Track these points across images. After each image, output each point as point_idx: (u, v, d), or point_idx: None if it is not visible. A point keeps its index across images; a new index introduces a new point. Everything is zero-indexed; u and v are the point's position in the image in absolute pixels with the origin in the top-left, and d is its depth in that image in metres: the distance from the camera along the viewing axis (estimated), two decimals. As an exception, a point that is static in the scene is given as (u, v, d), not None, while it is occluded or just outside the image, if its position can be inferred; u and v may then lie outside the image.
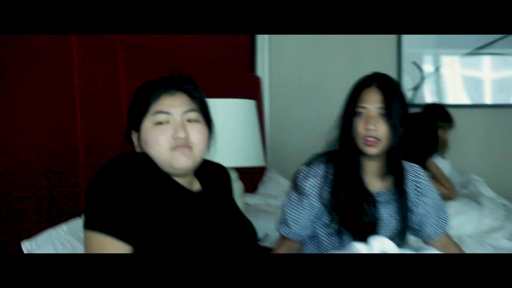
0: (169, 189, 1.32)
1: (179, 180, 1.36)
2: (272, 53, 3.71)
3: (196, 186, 1.43)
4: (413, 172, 1.76)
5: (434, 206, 1.76)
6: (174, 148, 1.32)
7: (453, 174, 3.11)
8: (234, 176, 2.25)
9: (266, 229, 2.49)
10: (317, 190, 1.67)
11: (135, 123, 1.37)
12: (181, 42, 2.75)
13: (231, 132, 2.15)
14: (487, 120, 3.66)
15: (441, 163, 2.91)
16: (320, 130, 3.73)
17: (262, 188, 3.12)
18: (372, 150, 1.62)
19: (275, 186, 3.13)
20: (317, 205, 1.67)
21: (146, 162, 1.32)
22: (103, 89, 2.20)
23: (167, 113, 1.34)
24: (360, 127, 1.62)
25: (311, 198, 1.67)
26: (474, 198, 2.90)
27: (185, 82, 1.41)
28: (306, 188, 1.68)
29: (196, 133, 1.35)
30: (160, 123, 1.34)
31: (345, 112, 1.68)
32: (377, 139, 1.61)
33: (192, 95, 1.39)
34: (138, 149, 1.39)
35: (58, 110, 1.96)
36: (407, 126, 1.64)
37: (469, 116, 3.56)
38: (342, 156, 1.67)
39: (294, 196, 1.71)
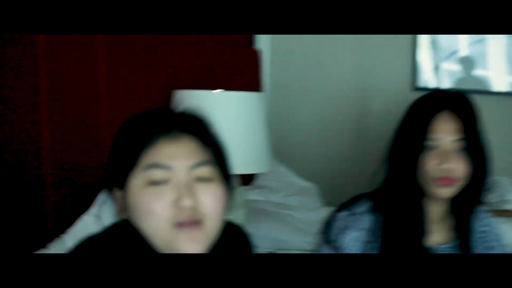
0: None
1: None
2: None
3: None
4: (481, 219, 1.40)
5: None
6: (177, 225, 0.91)
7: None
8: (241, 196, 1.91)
9: (269, 238, 2.16)
10: (359, 246, 1.29)
11: (119, 178, 0.95)
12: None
13: (230, 133, 1.78)
14: None
15: None
16: (328, 112, 3.38)
17: (261, 180, 2.74)
18: (448, 192, 1.26)
19: (276, 177, 2.74)
20: None
21: (134, 244, 0.93)
22: (78, 93, 2.10)
23: (166, 167, 0.92)
24: (431, 165, 1.25)
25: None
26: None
27: (194, 121, 0.98)
28: (344, 243, 1.30)
29: (210, 198, 0.93)
30: (155, 182, 0.91)
31: (406, 144, 1.28)
32: (454, 179, 1.25)
33: (203, 141, 0.97)
34: (122, 214, 0.98)
35: (24, 112, 1.91)
36: (487, 163, 1.28)
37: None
38: (399, 202, 1.29)
39: (325, 251, 1.33)
